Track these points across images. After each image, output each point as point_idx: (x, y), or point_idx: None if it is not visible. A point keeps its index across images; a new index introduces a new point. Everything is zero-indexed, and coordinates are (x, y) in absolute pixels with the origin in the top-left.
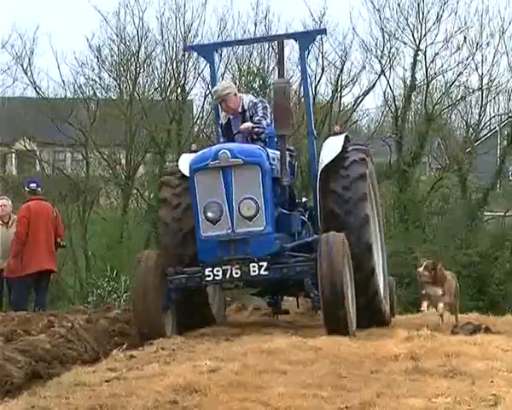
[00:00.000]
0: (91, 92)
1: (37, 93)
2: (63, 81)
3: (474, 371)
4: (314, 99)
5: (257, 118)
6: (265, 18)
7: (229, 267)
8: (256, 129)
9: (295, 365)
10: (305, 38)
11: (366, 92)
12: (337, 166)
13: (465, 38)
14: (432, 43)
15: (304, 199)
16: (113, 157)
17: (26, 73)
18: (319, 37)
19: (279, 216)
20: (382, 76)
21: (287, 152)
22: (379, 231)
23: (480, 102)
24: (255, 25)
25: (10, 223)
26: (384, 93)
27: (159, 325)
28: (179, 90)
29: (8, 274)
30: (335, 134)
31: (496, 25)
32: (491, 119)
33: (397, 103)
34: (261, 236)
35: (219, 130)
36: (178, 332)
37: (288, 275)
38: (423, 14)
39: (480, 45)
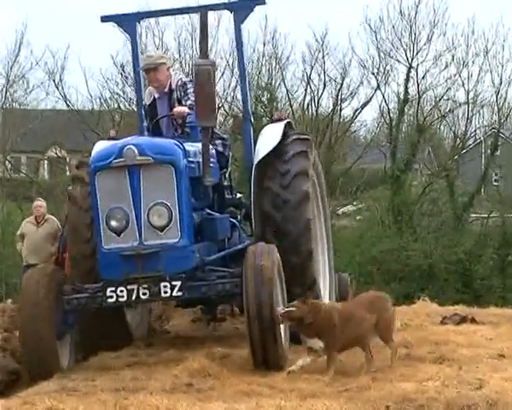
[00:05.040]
0: (116, 105)
1: (68, 106)
2: (91, 95)
3: (461, 357)
4: (316, 110)
5: (189, 102)
6: (273, 38)
7: (135, 287)
8: (192, 117)
9: (299, 352)
10: (242, 9)
11: (363, 105)
12: (275, 159)
13: (453, 56)
14: (423, 61)
15: (239, 195)
16: None
17: (57, 88)
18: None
19: (202, 222)
20: (378, 91)
21: (219, 141)
22: (324, 229)
23: (466, 115)
24: (264, 44)
25: (42, 223)
26: (380, 106)
27: (52, 358)
28: None
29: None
30: (275, 121)
31: (480, 45)
32: (476, 130)
33: (391, 115)
34: (175, 249)
35: (142, 112)
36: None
37: (207, 295)
38: (415, 35)
39: (467, 63)
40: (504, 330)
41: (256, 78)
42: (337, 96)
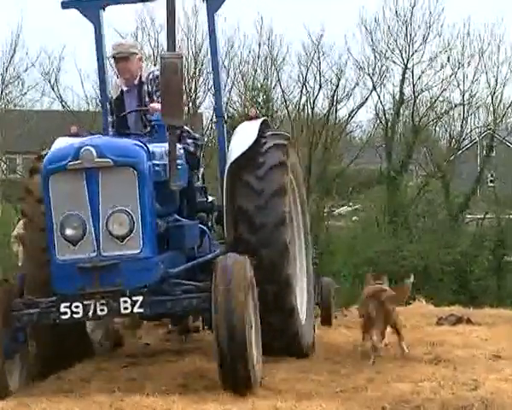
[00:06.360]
0: None
1: (63, 107)
2: (86, 96)
3: (457, 358)
4: (312, 111)
5: None
6: (268, 39)
7: (92, 302)
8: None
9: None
10: None
11: (359, 106)
12: (251, 153)
13: (448, 57)
14: (418, 62)
15: (210, 198)
16: None
17: (52, 89)
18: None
19: (168, 229)
20: (374, 92)
21: (190, 141)
22: (304, 236)
23: (461, 116)
24: (259, 45)
25: None
26: (375, 107)
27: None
28: (190, 104)
29: None
30: (251, 119)
31: (476, 46)
32: (471, 131)
33: (387, 116)
34: (136, 261)
35: (107, 107)
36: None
37: (172, 311)
38: (411, 36)
39: (462, 64)
40: (500, 330)
41: (251, 79)
42: (333, 97)
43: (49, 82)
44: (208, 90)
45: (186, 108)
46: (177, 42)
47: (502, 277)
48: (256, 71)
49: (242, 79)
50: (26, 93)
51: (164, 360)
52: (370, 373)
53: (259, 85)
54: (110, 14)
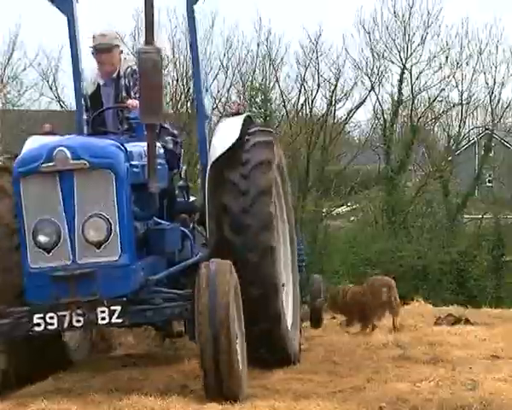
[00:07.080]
0: None
1: (61, 106)
2: None
3: (455, 358)
4: (310, 111)
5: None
6: (267, 39)
7: (67, 313)
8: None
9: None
10: None
11: (357, 106)
12: (235, 150)
13: (447, 57)
14: (417, 63)
15: (192, 198)
16: None
17: (50, 89)
18: None
19: (147, 233)
20: (372, 92)
21: (168, 138)
22: (289, 234)
23: (459, 116)
24: (258, 45)
25: None
26: (374, 107)
27: None
28: (189, 104)
29: None
30: (233, 115)
31: (474, 46)
32: (469, 131)
33: (385, 116)
34: (114, 268)
35: (82, 103)
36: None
37: (153, 320)
38: (409, 36)
39: (460, 65)
40: (498, 330)
41: (250, 78)
42: (331, 97)
43: (48, 82)
44: (206, 90)
45: (184, 109)
46: (175, 42)
47: (500, 277)
48: (254, 71)
49: (241, 79)
50: (24, 93)
51: (163, 360)
52: (368, 373)
53: (258, 85)
54: (109, 15)
